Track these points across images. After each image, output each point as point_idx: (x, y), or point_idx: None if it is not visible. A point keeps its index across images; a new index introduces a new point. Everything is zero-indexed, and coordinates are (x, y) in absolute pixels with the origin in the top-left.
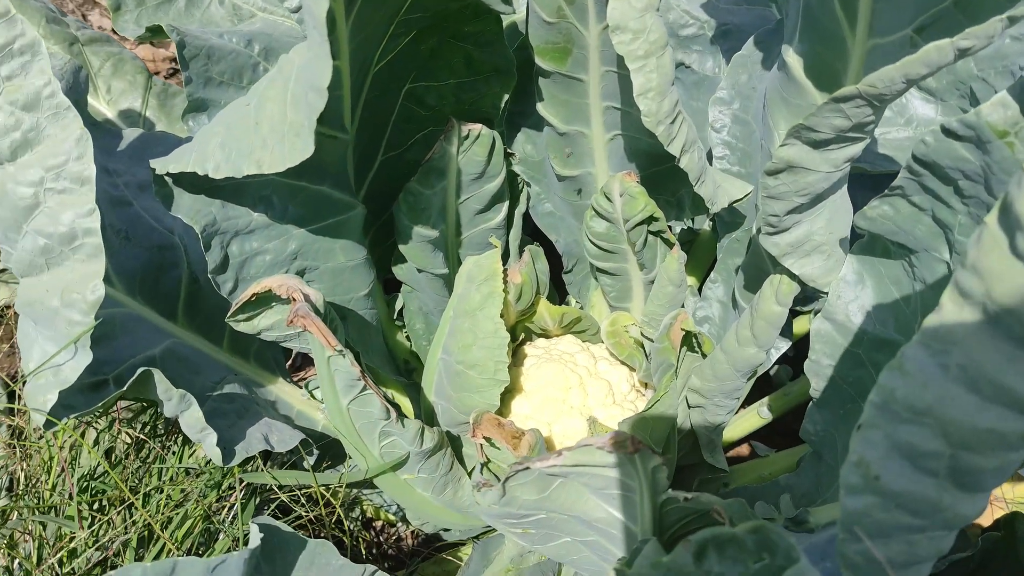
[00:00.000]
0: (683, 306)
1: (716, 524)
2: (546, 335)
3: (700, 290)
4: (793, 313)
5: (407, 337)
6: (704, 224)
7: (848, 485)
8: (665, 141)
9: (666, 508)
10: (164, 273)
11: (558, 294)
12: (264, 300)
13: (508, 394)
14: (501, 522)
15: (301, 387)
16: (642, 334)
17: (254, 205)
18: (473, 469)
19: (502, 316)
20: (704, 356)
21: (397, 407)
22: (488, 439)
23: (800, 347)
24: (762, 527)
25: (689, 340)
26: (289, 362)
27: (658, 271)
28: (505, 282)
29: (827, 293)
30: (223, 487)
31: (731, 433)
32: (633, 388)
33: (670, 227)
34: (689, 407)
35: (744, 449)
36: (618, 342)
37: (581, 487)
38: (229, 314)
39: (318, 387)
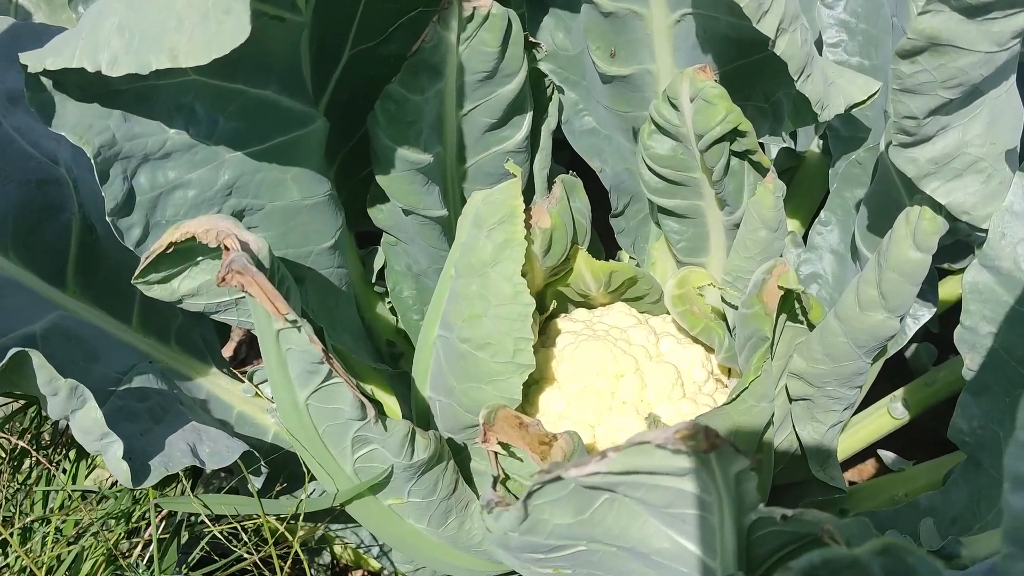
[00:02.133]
0: (781, 257)
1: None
2: (588, 303)
3: (806, 237)
4: (941, 272)
5: (391, 309)
6: (811, 143)
7: (1016, 476)
8: (754, 15)
9: (757, 532)
10: (46, 219)
11: (604, 246)
12: (186, 253)
13: (534, 385)
14: (522, 558)
15: (244, 380)
16: (723, 299)
17: (170, 117)
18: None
19: (524, 275)
20: (811, 327)
21: (378, 405)
22: (505, 445)
23: (949, 319)
24: (893, 546)
25: (790, 303)
26: (231, 351)
27: (745, 210)
28: (528, 227)
29: (986, 231)
30: (134, 517)
31: (851, 439)
32: (711, 375)
33: (762, 146)
34: (790, 400)
35: (870, 464)
36: (689, 311)
37: (635, 505)
38: (137, 273)
39: (267, 380)
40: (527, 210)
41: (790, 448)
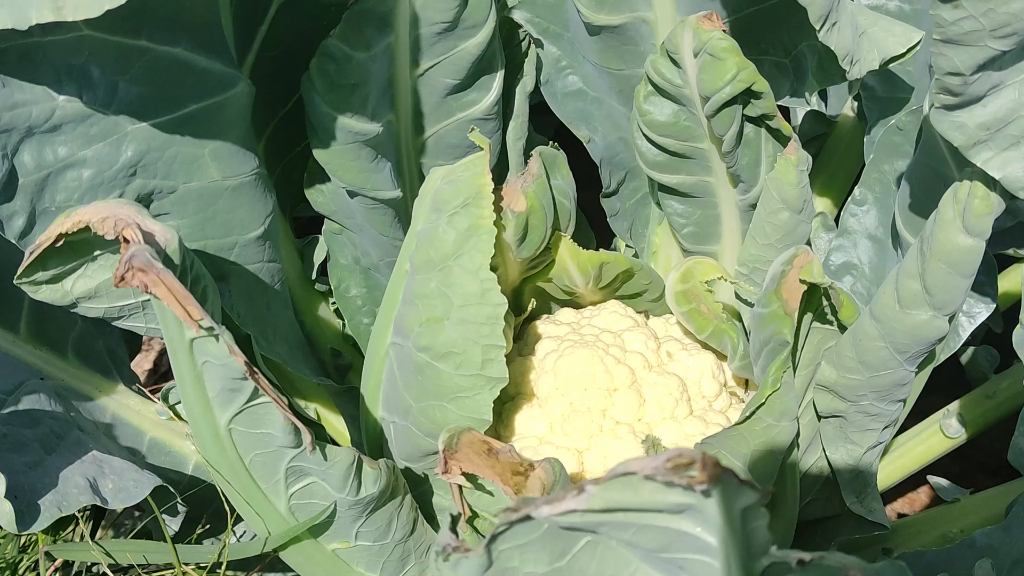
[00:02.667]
0: (809, 245)
1: None
2: (574, 302)
3: (838, 219)
4: (1002, 260)
5: (336, 311)
6: (844, 106)
7: None
8: None
9: None
10: None
11: (594, 232)
12: (79, 246)
13: (509, 403)
14: None
15: (156, 400)
16: (737, 296)
17: (58, 82)
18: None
19: (495, 269)
20: (842, 329)
21: (318, 428)
22: (471, 477)
23: (1016, 316)
24: None
25: (816, 301)
26: (151, 364)
27: (764, 187)
28: (499, 210)
29: None
30: (20, 569)
31: (895, 464)
32: (724, 388)
33: (784, 111)
34: (819, 418)
35: (921, 494)
36: (695, 310)
37: (623, 549)
38: (20, 271)
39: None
40: (497, 190)
41: (820, 476)
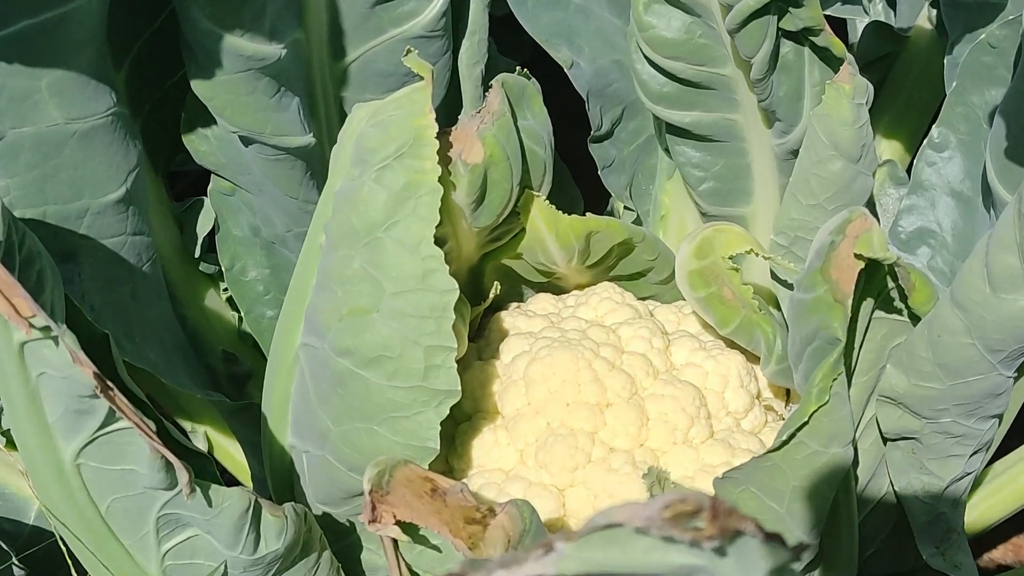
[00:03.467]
0: (872, 206)
1: None
2: (553, 284)
3: (910, 170)
4: None
5: (230, 300)
6: (918, 15)
7: None
8: None
9: None
10: None
11: (582, 190)
12: None
13: (464, 424)
14: None
15: None
16: (773, 276)
17: None
18: None
19: (443, 242)
20: (915, 320)
21: (205, 461)
22: (409, 526)
23: None
24: None
25: (879, 281)
26: None
27: (808, 127)
28: (448, 161)
29: None
30: None
31: (990, 500)
32: (756, 401)
33: (834, 23)
34: (885, 440)
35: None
36: (717, 295)
37: None
38: None
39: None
40: (445, 134)
41: (886, 519)
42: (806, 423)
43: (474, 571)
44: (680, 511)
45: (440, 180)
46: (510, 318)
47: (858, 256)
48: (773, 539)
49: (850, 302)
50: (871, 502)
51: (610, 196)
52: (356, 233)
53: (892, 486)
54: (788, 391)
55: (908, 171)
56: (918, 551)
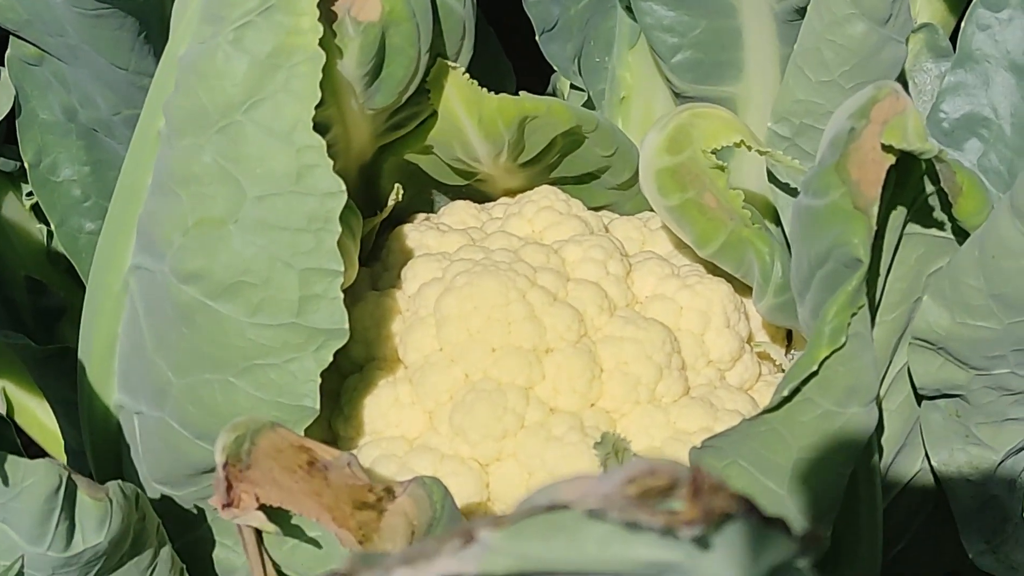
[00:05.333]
0: (904, 83)
1: None
2: (475, 188)
3: (955, 38)
4: None
5: (35, 209)
6: None
7: None
8: None
9: None
10: None
11: (514, 64)
12: None
13: (354, 376)
14: None
15: None
16: (771, 178)
17: None
18: None
19: (326, 129)
20: (961, 236)
21: (3, 424)
22: (277, 512)
23: None
24: None
25: (913, 183)
26: None
27: None
28: (333, 19)
29: None
30: None
31: None
32: (745, 346)
33: None
34: (919, 400)
35: None
36: (694, 202)
37: None
38: None
39: None
40: None
41: (920, 503)
42: (815, 373)
43: (367, 569)
44: (649, 487)
45: (322, 44)
46: (416, 234)
47: (887, 148)
48: (774, 526)
49: (875, 210)
50: (900, 482)
51: (552, 72)
52: (207, 115)
53: (928, 460)
54: (790, 333)
55: (952, 40)
56: (961, 547)
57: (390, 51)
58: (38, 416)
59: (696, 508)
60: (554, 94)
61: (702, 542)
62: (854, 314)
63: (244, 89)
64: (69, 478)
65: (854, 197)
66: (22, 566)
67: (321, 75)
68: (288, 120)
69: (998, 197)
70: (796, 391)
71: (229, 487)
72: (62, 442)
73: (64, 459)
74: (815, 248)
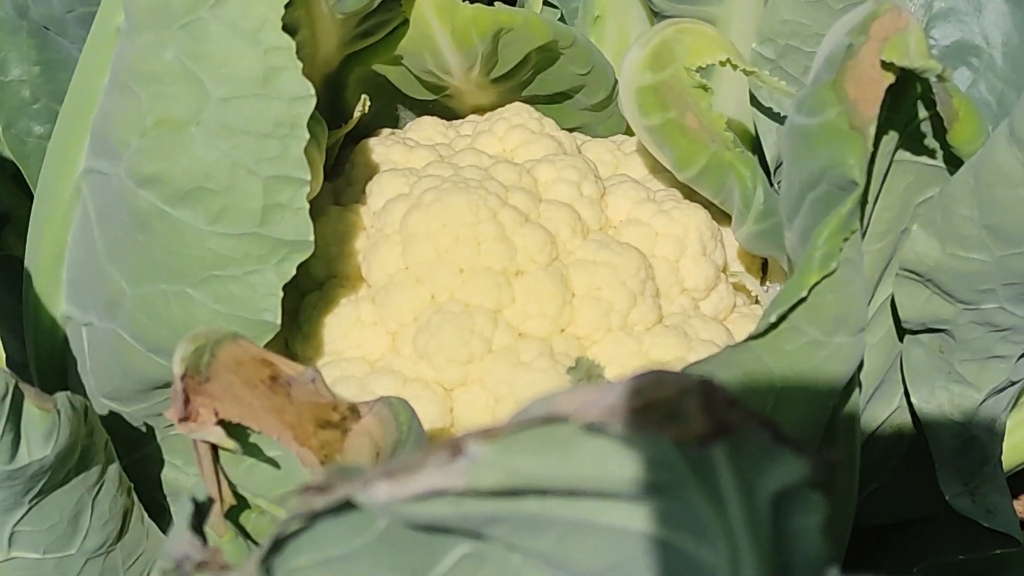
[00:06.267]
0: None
1: None
2: (443, 104)
3: None
4: None
5: None
6: None
7: None
8: None
9: None
10: None
11: None
12: None
13: (314, 294)
14: None
15: None
16: (754, 101)
17: None
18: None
19: (294, 30)
20: (953, 164)
21: None
22: (236, 429)
23: None
24: None
25: (907, 108)
26: None
27: None
28: None
29: None
30: None
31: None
32: (722, 274)
33: None
34: (901, 335)
35: None
36: (675, 123)
37: (533, 571)
38: None
39: None
40: None
41: (897, 442)
42: (803, 299)
43: (343, 483)
44: (655, 399)
45: None
46: (382, 148)
47: (887, 66)
48: (788, 443)
49: (872, 130)
50: (877, 420)
51: None
52: (171, 9)
53: (908, 398)
54: (765, 264)
55: None
56: (937, 489)
57: None
58: None
59: (707, 419)
60: (526, 5)
61: (703, 456)
62: (846, 239)
63: None
64: (16, 386)
65: (850, 116)
66: None
67: None
68: (255, 19)
69: (991, 128)
70: (783, 317)
71: (187, 400)
72: (3, 355)
73: None
74: (807, 169)
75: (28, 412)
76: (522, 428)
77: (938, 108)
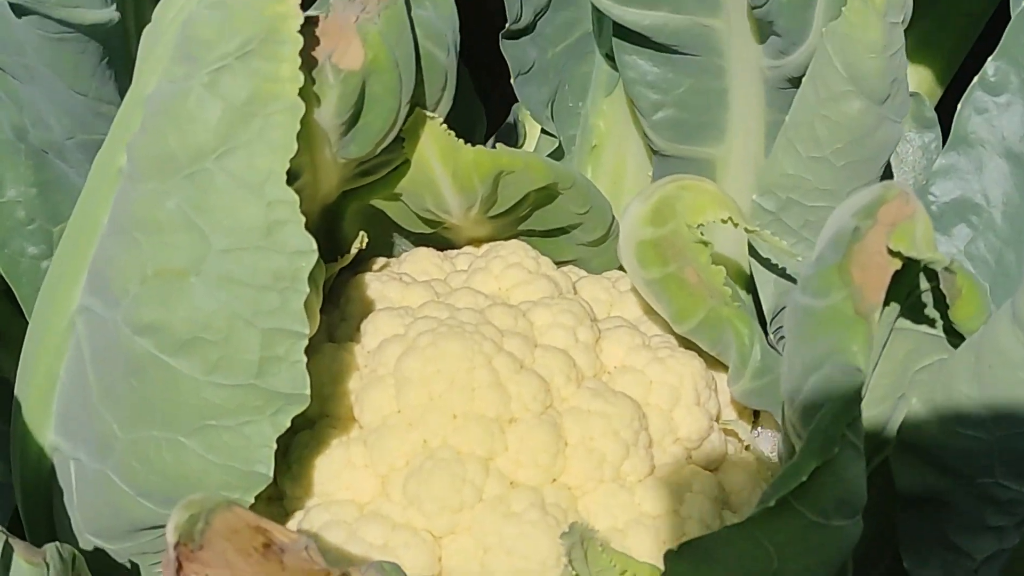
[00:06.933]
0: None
1: None
2: (439, 235)
3: (940, 109)
4: None
5: None
6: None
7: None
8: None
9: None
10: None
11: (486, 109)
12: None
13: (304, 433)
14: None
15: None
16: (751, 251)
17: None
18: None
19: (295, 176)
20: (955, 337)
21: None
22: None
23: None
24: None
25: (909, 279)
26: None
27: (816, 49)
28: (313, 65)
29: None
30: None
31: None
32: (715, 424)
33: None
34: (894, 501)
35: None
36: (675, 276)
37: None
38: None
39: None
40: (310, 26)
41: None
42: (803, 484)
43: None
44: None
45: (301, 93)
46: (378, 284)
47: (893, 253)
48: None
49: (877, 316)
50: None
51: (511, 105)
52: (175, 160)
53: (901, 562)
54: (756, 413)
55: (937, 111)
56: None
57: (369, 101)
58: None
59: None
60: (515, 125)
61: None
62: (849, 424)
63: (216, 136)
64: (7, 542)
65: (856, 302)
66: None
67: (298, 125)
68: (261, 171)
69: (993, 306)
70: (783, 501)
71: (179, 568)
72: None
73: None
74: (811, 351)
75: (17, 567)
76: None
77: (941, 286)
